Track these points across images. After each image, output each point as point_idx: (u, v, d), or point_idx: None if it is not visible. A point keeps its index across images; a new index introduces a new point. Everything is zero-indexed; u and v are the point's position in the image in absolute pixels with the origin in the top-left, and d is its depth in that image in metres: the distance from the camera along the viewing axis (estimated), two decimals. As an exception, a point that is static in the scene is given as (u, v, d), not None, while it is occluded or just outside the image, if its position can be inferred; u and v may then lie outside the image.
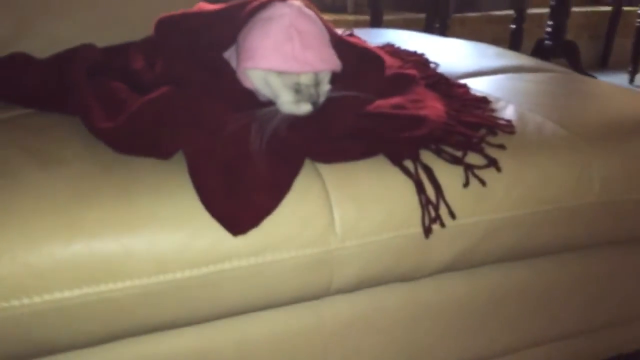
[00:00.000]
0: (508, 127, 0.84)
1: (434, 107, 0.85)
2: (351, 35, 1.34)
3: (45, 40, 1.09)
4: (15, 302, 0.59)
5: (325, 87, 0.72)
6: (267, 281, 0.68)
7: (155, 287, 0.63)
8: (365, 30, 1.96)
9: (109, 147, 0.70)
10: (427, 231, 0.72)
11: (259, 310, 0.71)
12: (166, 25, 0.74)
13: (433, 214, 0.73)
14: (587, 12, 3.79)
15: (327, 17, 3.35)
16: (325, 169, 0.72)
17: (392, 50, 1.25)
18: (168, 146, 0.67)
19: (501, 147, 0.79)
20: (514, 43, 3.07)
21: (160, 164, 0.68)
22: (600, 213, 0.83)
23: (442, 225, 0.73)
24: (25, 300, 0.59)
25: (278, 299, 0.71)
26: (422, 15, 3.20)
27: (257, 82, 0.70)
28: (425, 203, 0.72)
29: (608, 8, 3.81)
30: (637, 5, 3.38)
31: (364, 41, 1.00)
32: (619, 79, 3.47)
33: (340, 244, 0.70)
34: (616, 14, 3.72)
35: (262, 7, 0.70)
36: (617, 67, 3.75)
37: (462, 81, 1.09)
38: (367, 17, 3.18)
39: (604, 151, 0.84)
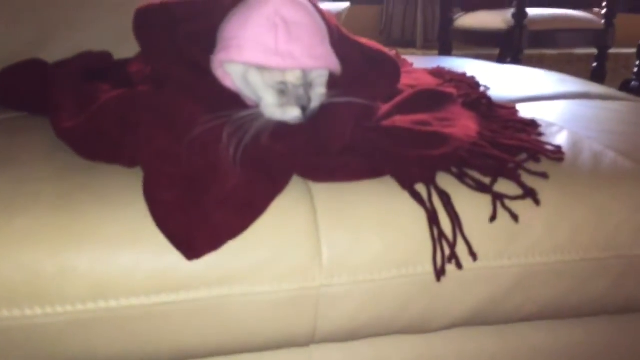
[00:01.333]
0: (555, 154, 0.68)
1: (464, 126, 0.71)
2: (396, 54, 1.23)
3: (67, 49, 1.06)
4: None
5: (319, 90, 0.60)
6: (232, 320, 0.56)
7: (91, 315, 0.52)
8: (424, 57, 1.84)
9: (73, 150, 0.61)
10: (440, 273, 0.58)
11: (221, 356, 0.59)
12: (145, 16, 0.66)
13: (448, 251, 0.58)
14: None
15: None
16: (317, 188, 0.59)
17: (436, 70, 1.12)
18: (131, 150, 0.58)
19: (543, 175, 0.64)
20: (594, 82, 2.83)
21: (121, 173, 0.58)
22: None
23: (459, 266, 0.58)
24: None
25: (246, 343, 0.58)
26: (495, 51, 3.04)
27: (236, 79, 0.60)
28: (438, 237, 0.58)
29: None
30: None
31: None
32: None
33: (327, 280, 0.57)
34: None
35: (249, -5, 0.60)
36: None
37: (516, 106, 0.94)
38: (436, 52, 3.06)
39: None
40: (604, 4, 2.71)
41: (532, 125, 0.78)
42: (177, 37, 0.62)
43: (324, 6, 2.96)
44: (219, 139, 0.55)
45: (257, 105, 0.60)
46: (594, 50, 2.81)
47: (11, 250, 0.51)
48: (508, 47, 2.57)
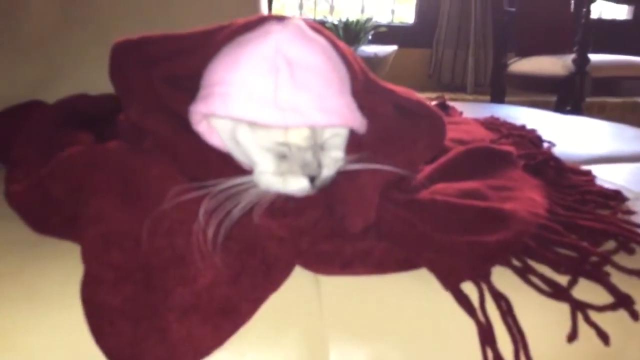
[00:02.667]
0: (651, 241, 0.50)
1: (529, 199, 0.55)
2: (443, 104, 1.08)
3: (76, 86, 0.98)
4: None
5: (334, 153, 0.45)
6: None
7: None
8: (475, 104, 1.68)
9: (21, 218, 0.48)
10: (493, 413, 0.41)
11: None
12: (120, 53, 0.52)
13: (505, 382, 0.41)
14: None
15: (445, 96, 3.09)
16: (327, 284, 0.44)
17: (489, 121, 0.96)
18: (83, 225, 0.44)
19: (637, 273, 0.46)
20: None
21: (70, 255, 0.44)
22: None
23: (523, 406, 0.41)
24: None
25: None
26: (552, 98, 2.84)
27: (223, 137, 0.45)
28: (493, 358, 0.41)
29: None
30: None
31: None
32: None
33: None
34: None
35: (247, 27, 0.46)
36: None
37: (586, 167, 0.77)
38: (487, 98, 2.89)
39: None
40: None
41: (616, 198, 0.60)
42: (159, 78, 0.49)
43: (370, 50, 2.82)
44: (193, 217, 0.41)
45: (250, 171, 0.46)
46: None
47: None
48: (568, 94, 2.37)
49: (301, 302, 0.43)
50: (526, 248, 0.46)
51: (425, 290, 0.44)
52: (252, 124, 0.43)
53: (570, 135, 0.98)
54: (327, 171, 0.44)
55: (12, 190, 0.48)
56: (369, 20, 2.95)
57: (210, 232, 0.40)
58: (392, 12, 3.47)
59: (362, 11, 3.33)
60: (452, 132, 0.81)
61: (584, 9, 2.26)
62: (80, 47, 0.97)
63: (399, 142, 0.47)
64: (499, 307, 0.43)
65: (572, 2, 2.60)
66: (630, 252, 0.49)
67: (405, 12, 3.47)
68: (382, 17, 3.36)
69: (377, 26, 3.00)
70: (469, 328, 0.42)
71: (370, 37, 2.95)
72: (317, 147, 0.44)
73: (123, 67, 0.51)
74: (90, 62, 0.96)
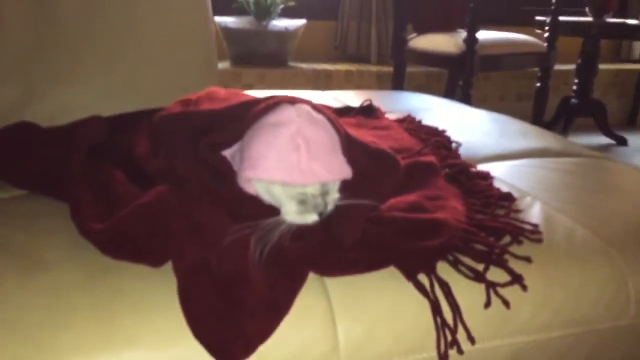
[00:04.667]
0: (535, 235, 0.76)
1: (453, 207, 0.79)
2: (370, 106, 1.30)
3: (53, 107, 1.07)
4: None
5: (334, 195, 0.66)
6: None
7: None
8: (386, 93, 1.92)
9: (98, 249, 0.64)
10: (443, 358, 0.65)
11: None
12: (166, 124, 0.69)
13: (450, 337, 0.65)
14: (615, 69, 3.72)
15: (349, 67, 3.31)
16: (331, 284, 0.65)
17: (411, 127, 1.19)
18: (160, 255, 0.62)
19: (527, 259, 0.72)
20: (538, 101, 3.00)
21: (149, 273, 0.62)
22: (636, 335, 0.75)
23: (460, 352, 0.65)
24: None
25: None
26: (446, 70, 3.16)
27: (259, 190, 0.65)
28: (441, 325, 0.65)
29: (637, 66, 3.74)
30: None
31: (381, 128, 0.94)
32: (648, 140, 3.38)
33: (344, 370, 0.63)
34: (645, 73, 3.66)
35: (269, 109, 0.65)
36: (646, 126, 3.66)
37: (484, 166, 1.03)
38: (390, 69, 3.15)
39: (641, 265, 0.76)
40: (547, 28, 2.87)
41: (509, 199, 0.86)
42: (198, 143, 0.66)
43: (282, 24, 2.99)
44: (247, 246, 0.60)
45: (275, 208, 0.65)
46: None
47: (56, 364, 0.54)
48: (460, 70, 2.69)
49: (315, 298, 0.64)
50: (456, 247, 0.70)
51: (396, 282, 0.66)
52: (284, 183, 0.63)
53: (469, 133, 1.23)
54: (329, 207, 0.65)
55: (92, 229, 0.64)
56: (277, -5, 3.07)
57: (257, 255, 0.60)
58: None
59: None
60: (384, 140, 1.04)
61: (473, -5, 2.54)
62: (60, 67, 1.06)
63: (371, 181, 0.69)
64: (443, 289, 0.67)
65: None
66: (520, 243, 0.74)
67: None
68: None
69: (287, 0, 3.13)
70: (424, 304, 0.66)
71: (279, 11, 3.08)
72: (324, 193, 0.64)
73: (169, 132, 0.68)
74: (69, 82, 1.06)
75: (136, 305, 0.58)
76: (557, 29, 2.84)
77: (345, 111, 1.28)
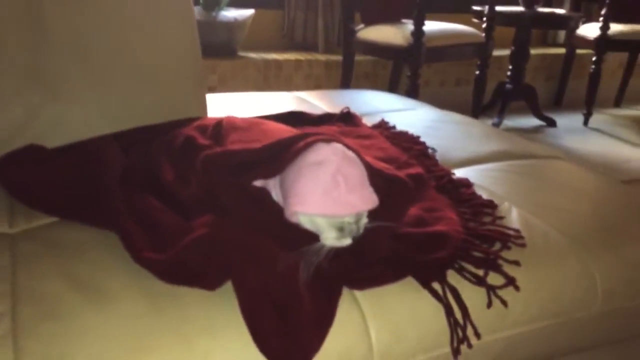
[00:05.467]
0: (519, 239, 0.90)
1: (449, 218, 0.91)
2: (348, 113, 1.39)
3: (49, 125, 1.10)
4: None
5: (364, 220, 0.76)
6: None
7: None
8: (347, 92, 2.03)
9: (155, 276, 0.72)
10: (456, 352, 0.77)
11: None
12: (213, 161, 0.77)
13: (461, 335, 0.77)
14: (543, 54, 3.98)
15: (298, 56, 3.39)
16: (361, 296, 0.76)
17: (390, 134, 1.30)
18: (215, 280, 0.70)
19: (516, 263, 0.85)
20: (477, 88, 3.20)
21: (207, 296, 0.70)
22: (604, 320, 0.91)
23: (469, 346, 0.78)
24: None
25: None
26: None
27: (302, 220, 0.74)
28: (453, 325, 0.77)
29: (562, 50, 4.02)
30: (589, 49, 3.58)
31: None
32: (574, 120, 3.66)
33: (378, 370, 0.74)
34: (570, 57, 3.93)
35: (306, 147, 0.74)
36: (570, 107, 3.95)
37: (459, 171, 1.15)
38: (338, 57, 3.25)
39: (605, 262, 0.92)
40: (484, 19, 3.05)
41: (491, 206, 0.99)
42: (241, 178, 0.74)
43: (231, 14, 3.04)
44: (296, 270, 0.70)
45: (313, 234, 0.75)
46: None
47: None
48: (408, 62, 2.82)
49: (349, 309, 0.74)
50: (459, 256, 0.82)
51: (414, 289, 0.78)
52: (326, 215, 0.72)
53: (438, 137, 1.36)
54: (360, 231, 0.75)
55: (148, 257, 0.71)
56: (226, -14, 3.08)
57: (304, 276, 0.70)
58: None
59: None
60: (371, 151, 1.14)
61: (419, -11, 2.67)
62: (57, 86, 1.09)
63: (390, 205, 0.79)
64: (452, 294, 0.79)
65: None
66: (509, 248, 0.87)
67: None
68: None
69: (235, -11, 3.15)
70: (439, 307, 0.78)
71: (227, 1, 3.10)
72: (358, 219, 0.74)
73: (215, 168, 0.75)
74: (67, 100, 1.09)
75: (206, 327, 0.67)
76: (494, 21, 3.02)
77: (327, 118, 1.37)
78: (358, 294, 0.76)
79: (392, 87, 3.37)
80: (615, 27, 3.40)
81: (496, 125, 3.34)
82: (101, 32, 1.13)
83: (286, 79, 3.24)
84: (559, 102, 4.07)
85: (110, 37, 1.14)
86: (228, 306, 0.69)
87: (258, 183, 0.78)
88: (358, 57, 3.23)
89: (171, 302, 0.69)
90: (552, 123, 3.54)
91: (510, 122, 3.52)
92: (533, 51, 3.60)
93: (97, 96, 1.14)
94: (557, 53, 4.03)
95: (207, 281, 0.70)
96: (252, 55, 3.22)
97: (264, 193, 0.77)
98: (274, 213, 0.76)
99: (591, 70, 3.52)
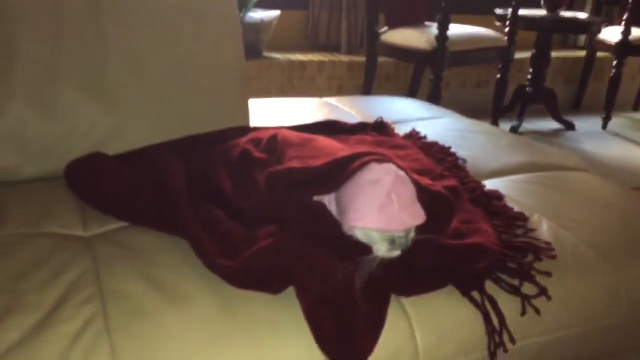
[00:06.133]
0: (550, 251, 0.97)
1: (485, 230, 0.98)
2: (381, 123, 1.47)
3: (112, 135, 1.18)
4: None
5: (412, 234, 0.84)
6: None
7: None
8: (375, 99, 2.10)
9: (224, 280, 0.80)
10: (493, 356, 0.85)
11: None
12: (275, 178, 0.86)
13: (497, 340, 0.85)
14: (563, 57, 4.02)
15: (321, 57, 3.45)
16: (407, 303, 0.84)
17: (423, 145, 1.37)
18: (280, 286, 0.78)
19: (547, 274, 0.92)
20: (499, 91, 3.25)
21: (272, 301, 0.78)
22: (629, 327, 0.98)
23: (506, 351, 0.85)
24: None
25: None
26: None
27: (358, 234, 0.82)
28: (491, 332, 0.85)
29: (583, 53, 4.05)
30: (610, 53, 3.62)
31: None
32: (593, 124, 3.70)
33: (423, 371, 0.82)
34: (590, 60, 3.96)
35: (361, 167, 0.82)
36: (590, 111, 3.98)
37: (489, 182, 1.22)
38: (361, 58, 3.32)
39: (629, 274, 0.99)
40: (507, 22, 3.10)
41: (522, 219, 1.06)
42: (300, 193, 0.83)
43: (258, 15, 3.12)
44: (353, 279, 0.78)
45: (365, 246, 0.83)
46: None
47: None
48: (431, 65, 2.88)
49: (395, 315, 0.82)
50: (496, 268, 0.90)
51: (455, 297, 0.85)
52: (380, 230, 0.80)
53: (468, 148, 1.42)
54: (409, 244, 0.83)
55: (219, 264, 0.79)
56: (254, -12, 3.15)
57: (359, 283, 0.78)
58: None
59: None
60: (407, 162, 1.21)
61: (444, -5, 2.73)
62: (115, 99, 1.17)
63: (434, 220, 0.87)
64: (490, 302, 0.86)
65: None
66: (541, 260, 0.95)
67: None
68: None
69: (262, -8, 3.22)
70: (478, 314, 0.85)
71: (255, 3, 3.17)
72: (408, 233, 0.82)
73: (278, 184, 0.84)
74: (123, 112, 1.17)
75: (274, 329, 0.75)
76: (517, 25, 3.07)
77: (361, 128, 1.45)
78: (405, 301, 0.84)
79: (413, 90, 3.43)
80: (636, 32, 3.44)
81: (515, 127, 3.40)
82: (157, 49, 1.21)
83: (310, 80, 3.31)
84: (578, 106, 4.11)
85: (165, 54, 1.22)
86: (291, 309, 0.77)
87: (316, 198, 0.86)
88: (380, 59, 3.29)
89: (241, 305, 0.77)
90: (571, 127, 3.59)
91: (529, 125, 3.57)
92: (554, 54, 3.64)
93: (152, 107, 1.22)
94: (578, 56, 4.06)
95: (273, 287, 0.78)
96: (277, 56, 3.29)
97: (323, 208, 0.85)
98: (332, 226, 0.84)
99: (612, 75, 3.56)
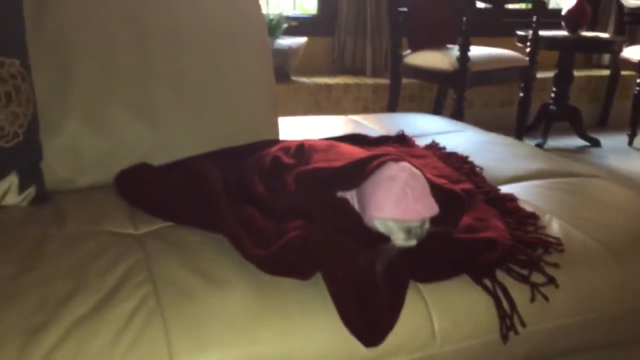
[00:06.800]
0: (558, 246, 1.04)
1: (497, 227, 1.06)
2: (403, 136, 1.57)
3: (156, 147, 1.31)
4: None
5: (427, 225, 0.93)
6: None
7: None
8: (398, 116, 2.20)
9: (258, 268, 0.90)
10: (505, 338, 0.93)
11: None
12: (303, 177, 0.97)
13: (509, 323, 0.93)
14: (587, 76, 4.07)
15: (347, 80, 3.57)
16: (424, 288, 0.92)
17: (441, 154, 1.46)
18: (309, 271, 0.88)
19: (556, 265, 1.00)
20: (522, 110, 3.32)
21: (302, 286, 0.88)
22: (635, 317, 1.04)
23: (516, 332, 0.93)
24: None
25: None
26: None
27: (377, 224, 0.92)
28: (502, 315, 0.93)
29: (606, 72, 4.09)
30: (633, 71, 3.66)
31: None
32: (618, 140, 3.73)
33: (439, 349, 0.90)
34: (615, 78, 4.01)
35: (379, 166, 0.93)
36: (615, 128, 4.01)
37: (505, 187, 1.31)
38: (385, 81, 3.43)
39: (635, 266, 1.06)
40: (528, 43, 3.19)
41: (534, 217, 1.14)
42: (326, 188, 0.93)
43: (286, 42, 3.27)
44: (374, 264, 0.87)
45: (384, 236, 0.92)
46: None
47: (256, 346, 0.80)
48: (453, 86, 2.98)
49: (413, 298, 0.91)
50: (507, 259, 0.98)
51: (469, 284, 0.93)
52: (397, 220, 0.89)
53: (486, 158, 1.51)
54: (424, 234, 0.92)
55: (255, 254, 0.90)
56: (282, 17, 3.32)
57: (380, 268, 0.87)
58: (294, 1, 3.82)
59: (267, 4, 3.64)
60: (427, 169, 1.30)
61: (464, 18, 2.84)
62: (158, 115, 1.30)
63: (447, 215, 0.96)
64: (501, 289, 0.94)
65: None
66: (550, 253, 1.02)
67: (307, 1, 3.84)
68: (285, 7, 3.72)
69: (290, 19, 3.39)
70: (490, 300, 0.93)
71: (283, 30, 3.33)
72: (422, 224, 0.91)
73: (307, 184, 0.94)
74: (165, 127, 1.30)
75: (303, 309, 0.85)
76: (537, 45, 3.15)
77: (383, 140, 1.55)
78: (422, 286, 0.92)
79: (437, 109, 3.52)
80: (658, 50, 3.48)
81: (540, 145, 3.45)
82: (196, 71, 1.34)
83: (336, 102, 3.44)
84: (604, 123, 4.14)
85: (204, 74, 1.35)
86: (319, 292, 0.87)
87: (339, 194, 0.96)
88: (404, 81, 3.39)
89: (274, 289, 0.87)
90: (596, 143, 3.62)
91: (554, 142, 3.62)
92: (578, 73, 3.70)
93: (191, 123, 1.34)
94: (602, 75, 4.10)
95: (302, 273, 0.88)
96: (304, 79, 3.43)
97: (346, 202, 0.95)
98: (354, 218, 0.93)
99: (635, 92, 3.60)
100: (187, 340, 0.79)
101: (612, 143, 3.70)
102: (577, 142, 3.66)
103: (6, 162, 1.11)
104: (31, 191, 1.14)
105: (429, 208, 0.91)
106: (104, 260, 0.91)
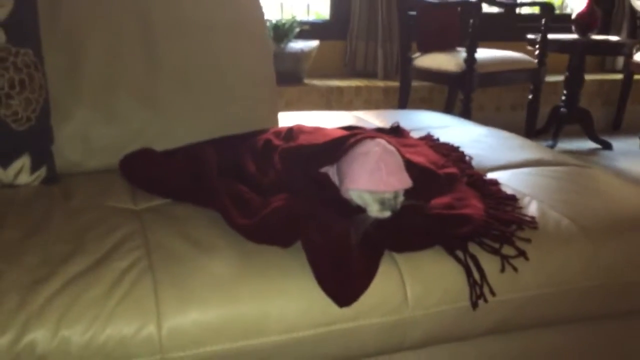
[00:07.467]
0: (532, 224, 1.10)
1: (475, 206, 1.12)
2: (397, 128, 1.63)
3: (160, 135, 1.39)
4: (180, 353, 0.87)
5: (401, 198, 0.99)
6: (359, 339, 0.94)
7: (282, 343, 0.89)
8: (402, 112, 2.26)
9: (243, 237, 0.97)
10: (474, 305, 0.98)
11: (351, 360, 0.97)
12: (287, 154, 1.04)
13: (479, 292, 0.98)
14: (600, 80, 4.08)
15: (358, 82, 3.64)
16: (399, 257, 0.98)
17: (433, 144, 1.52)
18: (289, 240, 0.95)
19: (527, 240, 1.05)
20: (531, 112, 3.35)
21: (282, 253, 0.95)
22: (605, 292, 1.09)
23: (485, 300, 0.99)
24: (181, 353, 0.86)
25: (366, 351, 0.97)
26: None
27: (353, 196, 0.98)
28: (472, 284, 0.98)
29: (620, 76, 4.10)
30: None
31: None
32: (630, 144, 3.73)
33: (411, 313, 0.96)
34: (628, 82, 4.01)
35: (357, 143, 1.00)
36: (629, 131, 4.00)
37: (493, 174, 1.36)
38: (396, 83, 3.50)
39: (607, 244, 1.10)
40: (537, 46, 3.22)
41: (513, 199, 1.20)
42: (308, 165, 1.00)
43: (298, 45, 3.36)
44: (349, 233, 0.94)
45: (360, 208, 0.99)
46: (529, 85, 3.31)
47: (237, 303, 0.87)
48: (461, 87, 3.03)
49: (388, 266, 0.97)
50: (480, 233, 1.03)
51: (441, 255, 0.99)
52: (371, 191, 0.96)
53: (478, 148, 1.56)
54: (398, 207, 0.99)
55: (240, 223, 0.97)
56: (294, 21, 3.41)
57: (354, 237, 0.93)
58: (308, 6, 3.91)
59: (281, 9, 3.74)
60: (415, 156, 1.37)
61: (471, 20, 2.89)
62: (163, 105, 1.38)
63: (422, 190, 1.02)
64: (472, 260, 1.00)
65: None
66: (522, 229, 1.08)
67: (320, 5, 3.93)
68: (298, 11, 3.81)
69: (302, 23, 3.48)
70: (461, 270, 0.99)
71: (295, 34, 3.42)
72: (396, 197, 0.98)
73: (288, 162, 1.02)
74: (169, 116, 1.39)
75: (283, 272, 0.92)
76: (546, 48, 3.19)
77: (378, 131, 1.61)
78: (397, 255, 0.99)
79: (447, 111, 3.57)
80: (670, 53, 3.48)
81: (550, 147, 3.47)
82: (200, 62, 1.43)
83: (347, 104, 3.51)
84: (618, 127, 4.14)
85: (205, 66, 1.44)
86: (298, 258, 0.93)
87: (322, 170, 1.03)
88: (416, 83, 3.45)
89: (257, 255, 0.95)
90: (607, 146, 3.63)
91: (565, 145, 3.63)
92: (590, 77, 3.72)
93: (193, 112, 1.43)
94: (615, 79, 4.11)
95: (283, 240, 0.95)
96: (316, 82, 3.51)
97: (326, 177, 1.02)
98: (333, 191, 1.00)
99: (648, 95, 3.60)
100: (173, 296, 0.87)
101: (624, 146, 3.70)
102: (589, 144, 3.67)
103: (19, 144, 1.20)
104: (42, 172, 1.23)
105: (402, 181, 0.97)
106: (102, 229, 0.99)
